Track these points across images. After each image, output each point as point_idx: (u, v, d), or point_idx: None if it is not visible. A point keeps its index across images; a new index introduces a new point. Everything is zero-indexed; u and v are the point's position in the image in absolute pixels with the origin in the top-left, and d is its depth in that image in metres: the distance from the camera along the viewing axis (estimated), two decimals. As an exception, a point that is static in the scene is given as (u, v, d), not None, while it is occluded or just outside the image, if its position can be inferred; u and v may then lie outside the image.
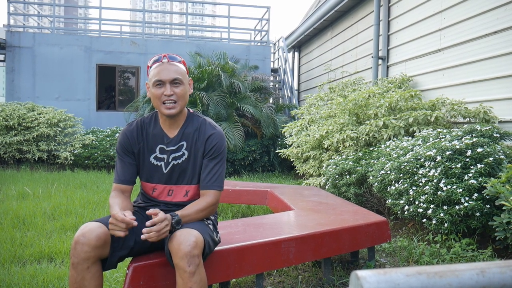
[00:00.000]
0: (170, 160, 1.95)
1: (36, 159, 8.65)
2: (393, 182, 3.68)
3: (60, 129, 8.76)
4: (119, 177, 1.95)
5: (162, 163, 1.96)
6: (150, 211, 1.67)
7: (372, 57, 6.95)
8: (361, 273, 0.64)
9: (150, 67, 1.94)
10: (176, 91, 1.88)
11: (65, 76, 10.45)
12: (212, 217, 2.04)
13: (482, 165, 3.17)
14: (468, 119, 4.62)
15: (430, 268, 0.67)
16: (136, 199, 2.09)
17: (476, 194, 3.06)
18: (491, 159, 3.20)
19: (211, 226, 1.95)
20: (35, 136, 8.51)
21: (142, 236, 1.63)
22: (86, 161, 8.58)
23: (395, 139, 4.55)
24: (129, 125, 2.01)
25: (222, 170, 1.95)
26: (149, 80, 1.94)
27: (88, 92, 10.61)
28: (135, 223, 1.65)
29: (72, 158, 8.59)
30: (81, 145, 8.70)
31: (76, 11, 60.90)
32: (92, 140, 8.82)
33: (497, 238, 2.83)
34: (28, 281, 2.62)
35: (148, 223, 1.64)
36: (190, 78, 2.02)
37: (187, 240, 1.64)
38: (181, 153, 1.95)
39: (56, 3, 10.93)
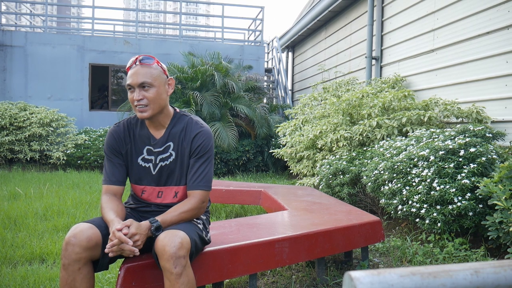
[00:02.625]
0: (157, 162, 1.92)
1: (28, 159, 8.58)
2: (386, 182, 3.69)
3: (52, 129, 8.70)
4: (109, 177, 1.91)
5: (150, 164, 1.93)
6: (120, 227, 1.65)
7: (366, 57, 6.97)
8: (355, 274, 0.63)
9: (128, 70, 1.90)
10: (146, 94, 1.83)
11: (58, 75, 10.38)
12: (204, 217, 2.02)
13: (475, 165, 3.19)
14: (461, 119, 4.64)
15: (424, 269, 0.66)
16: (128, 200, 2.07)
17: (469, 194, 3.07)
18: (483, 159, 3.21)
19: (200, 226, 1.92)
20: (27, 136, 8.43)
21: (106, 250, 1.61)
22: (79, 161, 8.52)
23: (388, 139, 4.56)
24: (116, 126, 1.97)
25: (209, 169, 1.91)
26: None
27: (81, 92, 10.54)
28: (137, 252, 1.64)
29: (65, 158, 8.52)
30: (73, 145, 8.64)
31: (69, 10, 60.56)
32: (85, 140, 8.76)
33: (489, 238, 2.85)
34: (19, 283, 2.59)
35: (111, 236, 1.63)
36: (171, 77, 1.95)
37: (172, 241, 1.62)
38: (168, 154, 1.92)
39: (48, 2, 10.84)
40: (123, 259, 1.87)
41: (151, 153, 1.93)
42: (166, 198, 1.96)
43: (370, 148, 4.67)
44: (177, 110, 2.01)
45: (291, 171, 6.63)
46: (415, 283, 0.64)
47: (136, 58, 1.87)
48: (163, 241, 1.63)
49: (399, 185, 3.50)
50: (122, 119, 2.02)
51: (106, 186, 1.90)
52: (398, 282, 0.63)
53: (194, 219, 1.92)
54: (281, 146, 7.35)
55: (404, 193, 3.41)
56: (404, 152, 3.76)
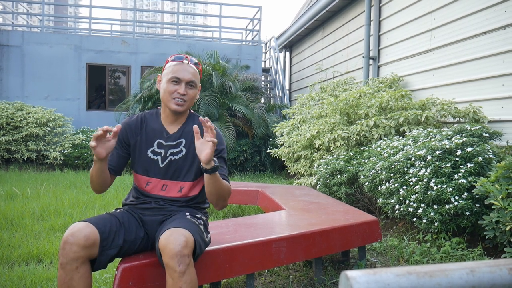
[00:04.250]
0: (167, 155, 1.98)
1: (25, 159, 8.55)
2: (383, 182, 3.70)
3: (49, 128, 8.67)
4: (108, 161, 1.99)
5: (159, 157, 1.98)
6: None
7: (363, 57, 6.98)
8: (351, 274, 0.63)
9: (169, 62, 2.01)
10: (189, 92, 1.96)
11: (55, 75, 10.35)
12: (204, 217, 2.03)
13: (472, 165, 3.19)
14: (458, 119, 4.65)
15: (420, 268, 0.66)
16: (127, 197, 2.08)
17: (465, 193, 3.08)
18: (480, 158, 3.22)
19: (201, 227, 1.94)
20: (24, 136, 8.41)
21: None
22: (76, 161, 8.50)
23: (385, 138, 4.57)
24: (130, 118, 2.06)
25: (226, 168, 2.01)
26: (164, 74, 1.99)
27: (78, 92, 10.52)
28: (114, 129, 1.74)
29: (62, 158, 8.50)
30: (70, 145, 8.62)
31: (66, 9, 60.40)
32: (82, 140, 8.74)
33: (486, 237, 2.85)
34: (16, 283, 2.58)
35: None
36: (200, 84, 2.07)
37: (177, 239, 1.63)
38: (179, 149, 1.99)
39: (45, 1, 10.82)
40: (120, 259, 1.87)
41: (162, 147, 2.00)
42: (170, 192, 1.99)
43: (367, 148, 4.67)
44: (192, 110, 2.11)
45: (288, 171, 6.63)
46: (411, 282, 0.64)
47: (186, 56, 2.00)
48: (168, 239, 1.65)
49: (396, 184, 3.51)
50: (140, 112, 2.12)
51: None
52: (394, 281, 0.64)
53: (196, 220, 1.92)
54: (279, 146, 7.35)
55: (401, 192, 3.42)
56: (401, 152, 3.77)
